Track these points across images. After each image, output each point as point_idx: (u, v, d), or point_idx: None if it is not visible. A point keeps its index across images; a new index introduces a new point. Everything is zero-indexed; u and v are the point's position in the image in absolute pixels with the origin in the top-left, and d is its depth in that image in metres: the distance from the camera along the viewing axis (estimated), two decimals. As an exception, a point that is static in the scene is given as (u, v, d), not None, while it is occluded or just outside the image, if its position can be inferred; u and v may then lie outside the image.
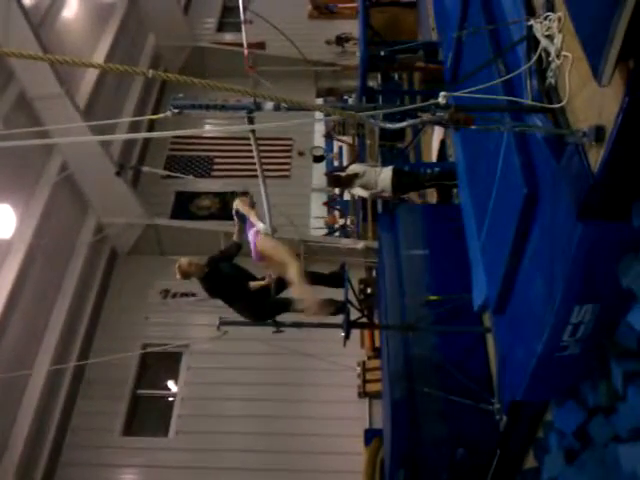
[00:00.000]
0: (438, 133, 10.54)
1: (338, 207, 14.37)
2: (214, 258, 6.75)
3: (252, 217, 6.57)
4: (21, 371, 9.66)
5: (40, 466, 10.48)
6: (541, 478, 5.67)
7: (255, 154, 5.02)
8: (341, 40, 16.64)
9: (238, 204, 6.73)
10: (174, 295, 12.52)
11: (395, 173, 9.02)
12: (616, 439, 4.58)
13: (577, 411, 4.99)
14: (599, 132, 3.54)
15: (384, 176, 9.00)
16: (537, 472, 5.85)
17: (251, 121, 4.38)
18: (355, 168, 9.45)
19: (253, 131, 4.69)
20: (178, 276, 6.60)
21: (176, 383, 12.04)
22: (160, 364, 12.34)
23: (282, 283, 6.78)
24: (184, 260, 6.55)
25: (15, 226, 10.43)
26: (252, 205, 6.73)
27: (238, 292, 6.64)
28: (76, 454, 10.91)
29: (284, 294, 6.83)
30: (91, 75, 13.40)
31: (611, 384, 4.51)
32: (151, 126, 13.84)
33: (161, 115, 4.35)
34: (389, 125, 4.00)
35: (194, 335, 11.81)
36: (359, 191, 9.44)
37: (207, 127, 15.05)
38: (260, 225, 6.38)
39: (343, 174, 9.59)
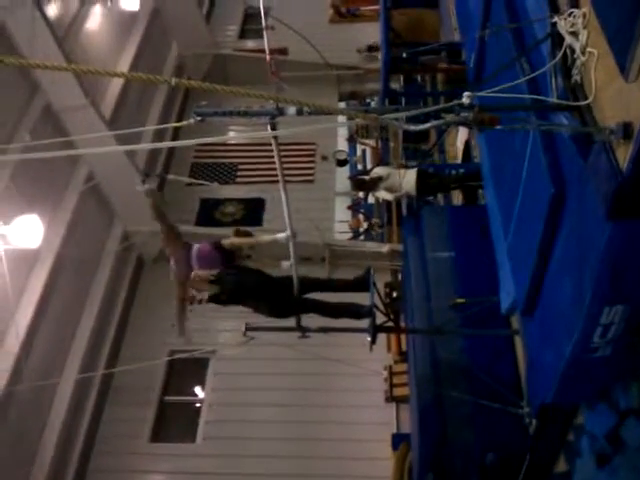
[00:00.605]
0: (462, 134, 10.47)
1: (362, 211, 14.33)
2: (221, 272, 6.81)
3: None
4: (49, 379, 9.76)
5: (69, 473, 10.57)
6: (573, 482, 5.59)
7: (276, 159, 5.02)
8: (372, 49, 16.59)
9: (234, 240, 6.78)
10: (200, 301, 12.53)
11: (419, 175, 8.98)
12: (650, 443, 4.50)
13: (609, 414, 4.91)
14: (627, 129, 3.48)
15: (408, 178, 8.96)
16: (568, 476, 5.76)
17: (274, 127, 4.38)
18: (379, 171, 9.42)
19: (275, 137, 4.69)
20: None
21: (203, 389, 12.09)
22: (187, 370, 12.38)
23: (309, 285, 6.82)
24: (199, 273, 6.67)
25: (43, 236, 10.54)
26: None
27: (258, 295, 6.70)
28: (104, 461, 10.98)
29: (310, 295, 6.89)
30: (115, 86, 13.55)
31: (644, 386, 4.44)
32: (175, 135, 13.94)
33: (184, 123, 4.36)
34: (412, 127, 3.97)
35: (221, 341, 11.85)
36: (384, 194, 9.41)
37: (231, 134, 15.11)
38: (279, 235, 6.39)
39: (367, 177, 9.56)
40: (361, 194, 14.10)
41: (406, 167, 9.73)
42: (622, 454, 4.86)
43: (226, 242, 6.83)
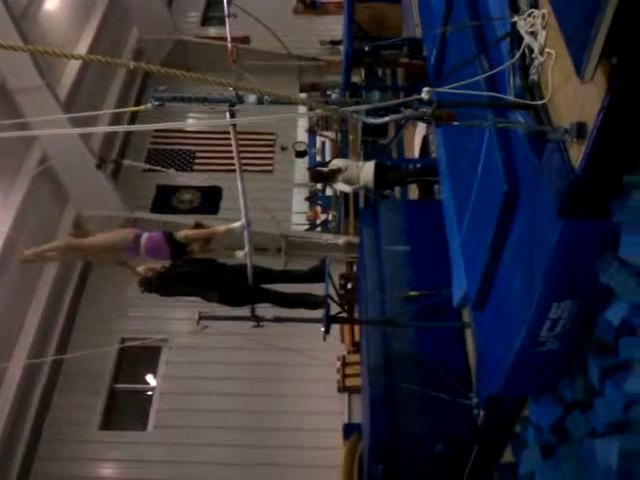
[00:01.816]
0: (420, 129, 10.57)
1: (320, 202, 14.36)
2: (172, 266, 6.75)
3: (218, 230, 6.64)
4: (-2, 364, 9.57)
5: (17, 460, 10.36)
6: (518, 473, 5.73)
7: (234, 148, 5.00)
8: (335, 42, 16.56)
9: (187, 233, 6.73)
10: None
11: (377, 168, 9.03)
12: (592, 434, 4.63)
13: (554, 406, 5.05)
14: (580, 129, 3.57)
15: (367, 171, 9.01)
16: (514, 467, 5.90)
17: (233, 114, 4.36)
18: (337, 163, 9.45)
19: (234, 125, 4.67)
20: (139, 287, 6.68)
21: (155, 377, 11.98)
22: (139, 358, 12.26)
23: (263, 275, 6.83)
24: (143, 269, 6.63)
25: (-7, 218, 10.33)
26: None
27: (208, 284, 6.68)
28: (54, 448, 10.81)
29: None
30: (72, 68, 13.26)
31: (588, 379, 4.57)
32: (133, 120, 13.73)
33: (142, 107, 4.31)
34: (372, 120, 4.00)
35: (174, 329, 11.76)
36: (342, 186, 9.44)
37: (189, 121, 14.95)
38: (234, 225, 6.38)
39: (325, 169, 9.59)
40: (319, 186, 14.10)
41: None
42: (566, 445, 5.00)
43: (180, 234, 6.74)
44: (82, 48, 13.90)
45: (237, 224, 6.31)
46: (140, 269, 6.81)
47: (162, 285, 6.72)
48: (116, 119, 13.29)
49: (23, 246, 6.98)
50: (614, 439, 4.16)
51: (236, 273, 6.76)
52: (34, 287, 11.57)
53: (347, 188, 9.38)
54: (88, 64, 13.32)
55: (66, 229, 12.49)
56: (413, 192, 11.11)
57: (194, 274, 6.75)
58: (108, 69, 14.66)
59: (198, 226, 7.00)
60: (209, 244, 6.96)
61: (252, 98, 4.12)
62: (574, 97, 3.73)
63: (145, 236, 6.71)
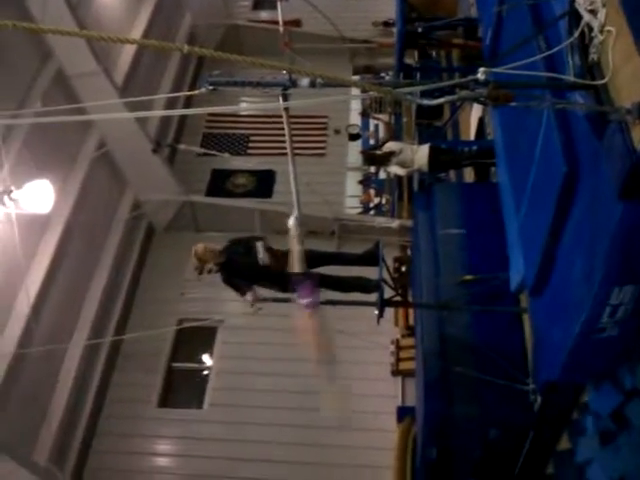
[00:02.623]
0: (476, 111, 10.38)
1: (373, 185, 14.29)
2: (229, 247, 6.79)
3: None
4: (59, 344, 9.87)
5: (78, 436, 10.73)
6: (575, 460, 5.64)
7: (287, 131, 5.00)
8: (388, 24, 16.39)
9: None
10: (209, 271, 12.60)
11: (432, 151, 8.92)
12: (654, 422, 4.53)
13: (614, 393, 4.94)
14: (643, 109, 3.45)
15: (421, 154, 8.90)
16: (571, 454, 5.81)
17: (286, 98, 4.36)
18: (391, 146, 9.36)
19: (286, 108, 4.67)
20: (194, 262, 6.71)
21: (211, 357, 12.20)
22: (195, 338, 12.49)
23: (317, 258, 6.85)
24: (200, 246, 6.67)
25: (54, 201, 10.59)
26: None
27: (257, 275, 6.70)
28: (113, 424, 11.16)
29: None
30: (128, 54, 13.46)
31: (650, 367, 4.46)
32: (187, 104, 13.89)
33: (196, 92, 4.36)
34: (426, 101, 3.94)
35: (229, 310, 11.92)
36: (395, 169, 9.36)
37: (243, 105, 15.04)
38: (291, 225, 6.38)
39: (379, 152, 9.51)
40: (372, 169, 14.04)
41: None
42: (626, 433, 4.90)
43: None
44: (136, 34, 14.10)
45: (291, 222, 6.32)
46: (198, 247, 6.85)
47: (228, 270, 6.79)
48: (171, 104, 13.47)
49: None
50: (676, 428, 4.05)
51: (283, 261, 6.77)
52: (93, 270, 11.87)
53: (401, 171, 9.29)
54: (143, 50, 13.54)
55: (125, 213, 12.77)
56: (469, 175, 10.94)
57: (248, 264, 6.79)
58: (162, 55, 14.83)
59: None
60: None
61: (305, 81, 4.12)
62: (636, 76, 3.61)
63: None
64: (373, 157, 9.80)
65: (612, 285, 4.17)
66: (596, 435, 5.24)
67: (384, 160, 9.26)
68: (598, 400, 5.16)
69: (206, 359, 12.32)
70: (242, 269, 6.78)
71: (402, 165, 9.08)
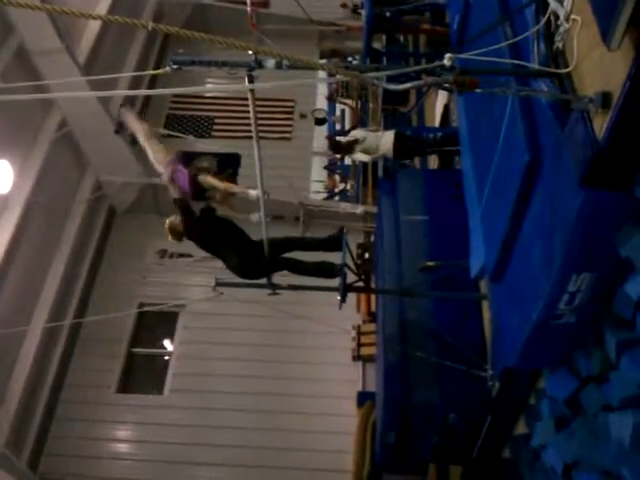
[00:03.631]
0: (442, 98, 10.42)
1: (339, 171, 14.28)
2: (206, 209, 6.77)
3: (235, 189, 6.63)
4: (17, 327, 9.69)
5: (35, 420, 10.58)
6: (531, 444, 5.73)
7: (252, 114, 4.94)
8: (357, 7, 16.30)
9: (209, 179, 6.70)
10: (171, 255, 12.50)
11: (397, 137, 8.94)
12: (607, 408, 4.61)
13: (570, 379, 5.02)
14: (605, 98, 3.49)
15: (385, 140, 8.91)
16: (527, 438, 5.90)
17: (251, 79, 4.30)
18: (356, 134, 9.36)
19: (252, 90, 4.61)
20: (169, 237, 6.65)
21: (172, 342, 12.12)
22: (156, 323, 12.40)
23: (280, 244, 6.82)
24: (172, 217, 6.62)
25: (13, 181, 10.36)
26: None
27: (232, 245, 6.65)
28: (71, 409, 11.03)
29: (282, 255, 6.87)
30: (92, 31, 13.16)
31: (605, 353, 4.53)
32: (152, 85, 13.69)
33: (160, 71, 4.27)
34: (392, 86, 3.93)
35: (190, 295, 11.85)
36: (360, 156, 9.36)
37: (208, 86, 14.86)
38: (251, 191, 6.38)
39: (344, 139, 9.51)
40: (338, 155, 14.01)
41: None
42: (580, 418, 4.99)
43: (202, 177, 6.78)
44: (101, 11, 13.79)
45: (254, 191, 6.30)
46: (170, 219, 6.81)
47: (195, 230, 6.72)
48: (135, 84, 13.25)
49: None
50: (628, 413, 4.13)
51: (254, 245, 6.74)
52: (53, 252, 11.67)
53: (365, 158, 9.29)
54: (107, 27, 13.26)
55: (86, 194, 12.55)
56: (433, 162, 11.00)
57: (224, 228, 6.76)
58: (127, 34, 14.55)
59: (222, 177, 6.93)
60: (228, 199, 6.95)
61: (271, 62, 4.07)
62: (600, 66, 3.64)
63: (180, 168, 6.80)
64: (338, 144, 9.79)
65: (570, 272, 4.23)
66: (551, 420, 5.33)
67: (349, 148, 9.26)
68: (554, 386, 5.24)
69: (167, 344, 12.23)
70: (220, 231, 6.74)
71: (367, 152, 9.08)
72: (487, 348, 6.51)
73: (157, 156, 6.97)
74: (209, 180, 6.74)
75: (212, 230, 6.64)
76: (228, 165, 14.02)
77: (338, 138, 10.30)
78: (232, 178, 6.99)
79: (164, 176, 6.87)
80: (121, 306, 11.09)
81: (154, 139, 7.16)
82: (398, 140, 8.94)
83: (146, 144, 7.09)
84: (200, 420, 10.82)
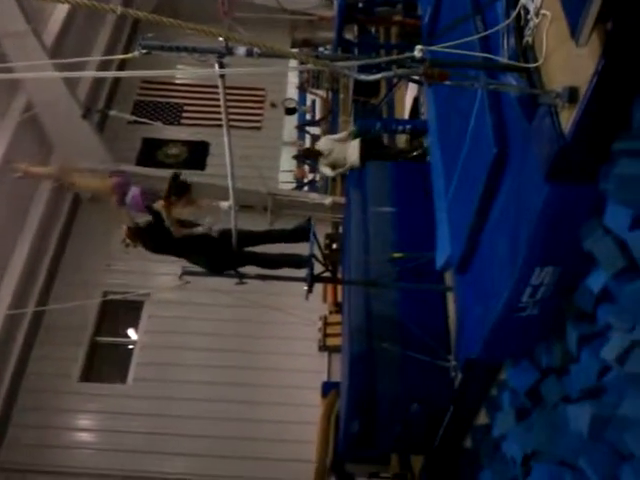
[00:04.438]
0: (412, 90, 10.45)
1: (308, 161, 14.25)
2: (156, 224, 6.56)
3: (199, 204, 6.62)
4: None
5: (-5, 410, 10.43)
6: (491, 434, 5.82)
7: (222, 101, 4.90)
8: None
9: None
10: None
11: (363, 145, 9.00)
12: (566, 399, 4.69)
13: (531, 371, 5.10)
14: (572, 93, 3.53)
15: (352, 151, 9.00)
16: (488, 428, 5.99)
17: (222, 66, 4.26)
18: (321, 146, 9.41)
19: (222, 77, 4.57)
20: (127, 241, 6.50)
21: (136, 331, 12.00)
22: (121, 312, 12.28)
23: (248, 237, 6.80)
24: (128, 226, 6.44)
25: (-25, 165, 10.16)
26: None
27: (196, 250, 6.59)
28: (33, 398, 10.87)
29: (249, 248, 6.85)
30: (59, 14, 12.92)
31: (566, 346, 4.60)
32: (120, 70, 13.48)
33: (129, 55, 4.20)
34: (363, 77, 3.93)
35: (156, 284, 11.75)
36: (325, 170, 9.43)
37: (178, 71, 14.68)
38: (221, 203, 6.32)
39: (311, 149, 9.64)
40: (307, 144, 14.00)
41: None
42: (540, 409, 5.07)
43: (158, 207, 6.45)
44: (69, -7, 13.55)
45: (225, 203, 6.25)
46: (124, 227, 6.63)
47: (149, 239, 6.60)
48: (103, 69, 13.05)
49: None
50: (587, 405, 4.21)
51: (220, 240, 6.68)
52: (16, 238, 11.46)
53: (330, 173, 9.38)
54: (75, 11, 13.03)
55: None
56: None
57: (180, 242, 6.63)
58: (96, 18, 14.32)
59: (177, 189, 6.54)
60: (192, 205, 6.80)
61: (241, 50, 4.03)
62: (568, 61, 3.68)
63: (130, 195, 6.55)
64: (308, 152, 9.86)
65: (534, 266, 4.29)
66: (512, 411, 5.41)
67: (316, 157, 9.35)
68: (516, 377, 5.31)
69: (131, 333, 12.12)
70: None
71: (335, 165, 9.15)
72: (451, 339, 6.58)
73: (95, 188, 6.67)
74: (162, 209, 6.48)
75: (171, 241, 6.52)
76: (197, 153, 13.96)
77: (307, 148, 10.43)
78: (184, 195, 6.56)
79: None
80: (85, 294, 10.92)
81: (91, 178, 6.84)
82: (365, 148, 8.99)
83: (80, 184, 6.75)
84: (164, 410, 10.76)
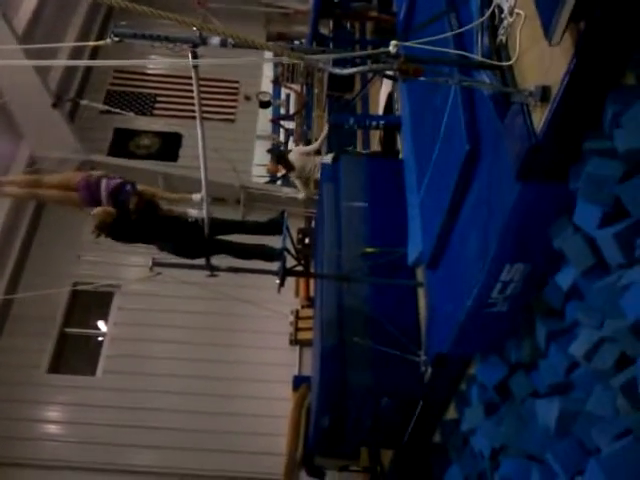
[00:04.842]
0: (386, 86, 10.46)
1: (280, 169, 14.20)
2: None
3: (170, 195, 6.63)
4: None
5: (-38, 401, 10.27)
6: (460, 429, 5.88)
7: (195, 92, 4.86)
8: None
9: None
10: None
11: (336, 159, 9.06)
12: (534, 394, 4.76)
13: (499, 366, 5.16)
14: (545, 92, 3.57)
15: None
16: (457, 423, 6.05)
17: (195, 56, 4.22)
18: (294, 160, 9.43)
19: (196, 67, 4.53)
20: (94, 232, 6.39)
21: (106, 323, 11.90)
22: (90, 303, 12.15)
23: (221, 225, 6.77)
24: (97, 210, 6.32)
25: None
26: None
27: (162, 235, 6.54)
28: (0, 390, 10.70)
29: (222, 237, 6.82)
30: (31, 0, 12.72)
31: (534, 342, 4.66)
32: (93, 58, 13.30)
33: (101, 42, 4.16)
34: (337, 70, 3.92)
35: (127, 275, 11.64)
36: (298, 185, 9.46)
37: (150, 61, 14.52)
38: (193, 196, 6.30)
39: (286, 156, 9.69)
40: (282, 138, 13.98)
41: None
42: (509, 404, 5.13)
43: (138, 187, 6.51)
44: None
45: (197, 195, 6.22)
46: (96, 211, 6.53)
47: (118, 230, 6.51)
48: (75, 56, 12.87)
49: None
50: (554, 400, 4.27)
51: (192, 225, 6.64)
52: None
53: (301, 194, 9.43)
54: (47, -4, 12.84)
55: (20, 169, 12.13)
56: (376, 149, 11.08)
57: (151, 223, 6.57)
58: (68, 4, 14.10)
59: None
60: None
61: (215, 40, 4.00)
62: (540, 60, 3.71)
63: (105, 182, 6.46)
64: (282, 161, 9.92)
65: (504, 262, 4.33)
66: (481, 406, 5.47)
67: (288, 170, 9.40)
68: (485, 372, 5.37)
69: (101, 325, 12.00)
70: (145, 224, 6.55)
71: (308, 182, 9.18)
72: (421, 334, 6.62)
73: (72, 178, 6.55)
74: (146, 189, 6.48)
75: (140, 226, 6.45)
76: (169, 145, 13.82)
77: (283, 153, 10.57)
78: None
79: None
80: (54, 285, 10.78)
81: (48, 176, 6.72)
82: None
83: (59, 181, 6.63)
84: (134, 402, 10.68)
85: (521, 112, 3.76)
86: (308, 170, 9.20)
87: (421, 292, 6.83)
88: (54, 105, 11.96)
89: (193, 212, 6.46)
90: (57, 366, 11.32)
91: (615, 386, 3.62)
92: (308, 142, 13.08)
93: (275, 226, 7.15)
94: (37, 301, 10.00)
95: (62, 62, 12.42)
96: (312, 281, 10.76)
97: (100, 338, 11.81)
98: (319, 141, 10.15)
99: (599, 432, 3.79)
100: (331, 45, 11.79)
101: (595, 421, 3.86)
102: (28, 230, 12.27)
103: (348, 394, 6.62)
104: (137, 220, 6.39)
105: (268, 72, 15.09)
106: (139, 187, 6.47)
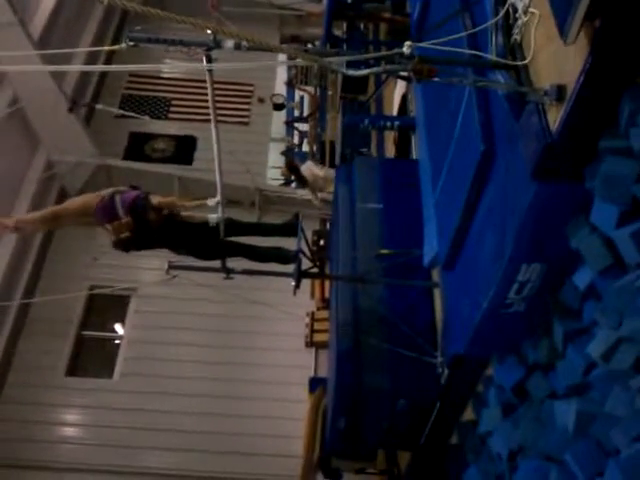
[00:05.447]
0: (400, 88, 10.46)
1: (296, 158, 14.24)
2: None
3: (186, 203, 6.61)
4: (-37, 306, 9.46)
5: (-20, 403, 10.36)
6: (478, 431, 5.84)
7: (210, 95, 4.88)
8: None
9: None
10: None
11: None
12: (552, 395, 4.72)
13: (517, 367, 5.12)
14: (560, 91, 3.54)
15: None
16: (474, 425, 6.01)
17: (210, 59, 4.25)
18: (307, 173, 9.53)
19: (210, 71, 4.55)
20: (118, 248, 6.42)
21: (123, 326, 11.96)
22: (107, 306, 12.23)
23: (236, 226, 6.78)
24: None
25: (-40, 157, 10.07)
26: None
27: (175, 241, 6.56)
28: (18, 392, 10.80)
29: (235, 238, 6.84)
30: (47, 6, 12.83)
31: (552, 342, 4.63)
32: (108, 63, 13.39)
33: (116, 47, 4.19)
34: (351, 72, 3.93)
35: (143, 279, 11.70)
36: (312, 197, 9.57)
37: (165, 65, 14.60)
38: (208, 201, 6.32)
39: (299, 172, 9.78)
40: (296, 141, 14.00)
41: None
42: (526, 405, 5.10)
43: (154, 200, 6.52)
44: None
45: (212, 200, 6.23)
46: (112, 227, 6.53)
47: (140, 240, 6.53)
48: (90, 62, 12.96)
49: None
50: (572, 401, 4.23)
51: (210, 228, 6.64)
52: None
53: (316, 202, 9.52)
54: (63, 3, 12.95)
55: (37, 174, 12.26)
56: (390, 150, 11.07)
57: (166, 232, 6.58)
58: (83, 9, 14.22)
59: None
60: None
61: (230, 43, 4.01)
62: (555, 59, 3.69)
63: (119, 198, 6.48)
64: (296, 169, 9.97)
65: (520, 262, 4.30)
66: (498, 407, 5.43)
67: (302, 181, 9.50)
68: (502, 374, 5.34)
69: (118, 328, 12.07)
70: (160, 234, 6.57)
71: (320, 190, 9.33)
72: (438, 335, 6.59)
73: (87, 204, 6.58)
74: (162, 201, 6.50)
75: (156, 232, 6.47)
76: (184, 148, 13.90)
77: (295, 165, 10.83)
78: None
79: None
80: (71, 288, 10.83)
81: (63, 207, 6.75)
82: None
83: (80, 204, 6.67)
84: (151, 405, 10.73)
85: (536, 111, 3.74)
86: (321, 184, 9.32)
87: (437, 293, 6.81)
88: (70, 110, 12.07)
89: (214, 217, 6.46)
90: (74, 369, 11.41)
91: (634, 387, 3.59)
92: (322, 144, 13.12)
93: (290, 228, 7.15)
94: (54, 304, 10.08)
95: (77, 67, 12.52)
96: (327, 283, 10.76)
97: (117, 341, 11.88)
98: (326, 174, 10.26)
99: (618, 433, 3.76)
100: (345, 47, 11.79)
101: (614, 422, 3.82)
102: (45, 235, 12.36)
103: (364, 396, 6.61)
104: (158, 230, 6.42)
105: (282, 75, 15.12)
106: (155, 200, 6.44)
